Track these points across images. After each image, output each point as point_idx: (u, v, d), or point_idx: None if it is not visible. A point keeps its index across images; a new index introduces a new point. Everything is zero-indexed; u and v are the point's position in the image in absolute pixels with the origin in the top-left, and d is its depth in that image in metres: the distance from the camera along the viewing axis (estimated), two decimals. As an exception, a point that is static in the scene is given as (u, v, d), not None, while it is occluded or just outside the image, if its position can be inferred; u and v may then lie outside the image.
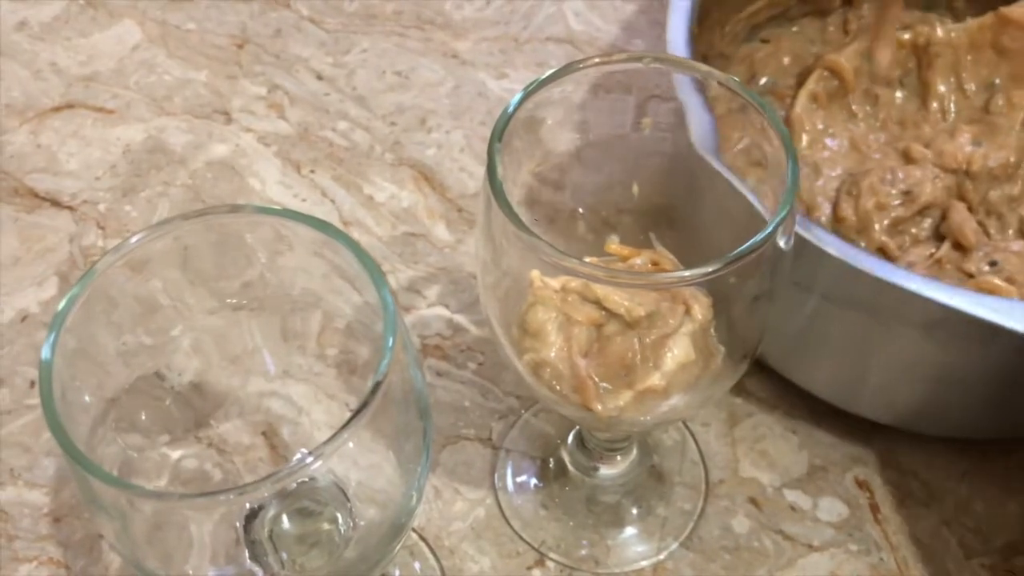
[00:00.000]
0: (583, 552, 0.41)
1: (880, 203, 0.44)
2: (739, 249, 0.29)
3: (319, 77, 0.58)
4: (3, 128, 0.56)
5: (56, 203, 0.53)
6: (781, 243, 0.30)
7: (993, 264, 0.43)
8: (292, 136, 0.55)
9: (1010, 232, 0.45)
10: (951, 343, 0.37)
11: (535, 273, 0.33)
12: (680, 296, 0.33)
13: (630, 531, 0.42)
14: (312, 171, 0.54)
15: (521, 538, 0.41)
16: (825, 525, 0.42)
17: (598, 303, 0.32)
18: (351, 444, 0.27)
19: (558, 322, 0.33)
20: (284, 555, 0.34)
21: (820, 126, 0.48)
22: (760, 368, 0.45)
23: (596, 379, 0.32)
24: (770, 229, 0.29)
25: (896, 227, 0.45)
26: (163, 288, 0.35)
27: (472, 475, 0.43)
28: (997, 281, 0.42)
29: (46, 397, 0.26)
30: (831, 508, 0.42)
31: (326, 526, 0.34)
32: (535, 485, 0.43)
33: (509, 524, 0.42)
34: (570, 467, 0.43)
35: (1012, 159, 0.45)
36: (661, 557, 0.41)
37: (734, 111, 0.33)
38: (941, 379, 0.40)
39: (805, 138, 0.47)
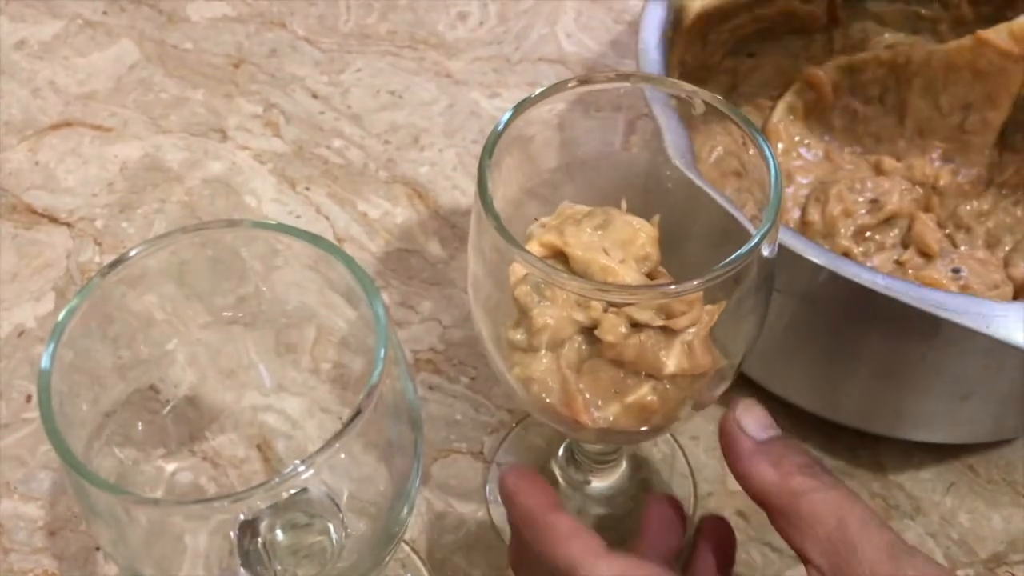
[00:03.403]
0: (573, 564, 0.42)
1: (847, 210, 0.45)
2: (725, 261, 0.29)
3: (314, 96, 0.59)
4: (2, 145, 0.56)
5: (54, 219, 0.53)
6: (765, 253, 0.31)
7: (956, 271, 0.44)
8: (287, 154, 0.56)
9: (979, 243, 0.46)
10: (897, 336, 0.38)
11: (514, 266, 0.32)
12: (675, 309, 0.33)
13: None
14: (307, 188, 0.54)
15: (512, 550, 0.42)
16: (812, 537, 0.42)
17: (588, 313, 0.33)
18: (343, 455, 0.27)
19: (547, 335, 0.33)
20: (277, 565, 0.34)
21: (796, 137, 0.49)
22: (747, 382, 0.45)
23: (586, 393, 0.33)
24: (755, 242, 0.30)
25: (862, 234, 0.46)
26: (159, 302, 0.36)
27: (464, 488, 0.44)
28: (935, 275, 0.43)
29: (45, 406, 0.27)
30: (818, 520, 0.43)
31: (318, 537, 0.35)
32: (526, 498, 0.44)
33: (500, 537, 0.42)
34: (560, 480, 0.44)
35: (982, 176, 0.46)
36: None
37: (711, 123, 0.34)
38: (884, 375, 0.40)
39: (780, 147, 0.49)
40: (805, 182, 0.48)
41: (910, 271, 0.44)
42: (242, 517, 0.34)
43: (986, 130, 0.49)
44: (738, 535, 0.42)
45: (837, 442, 0.45)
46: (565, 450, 0.44)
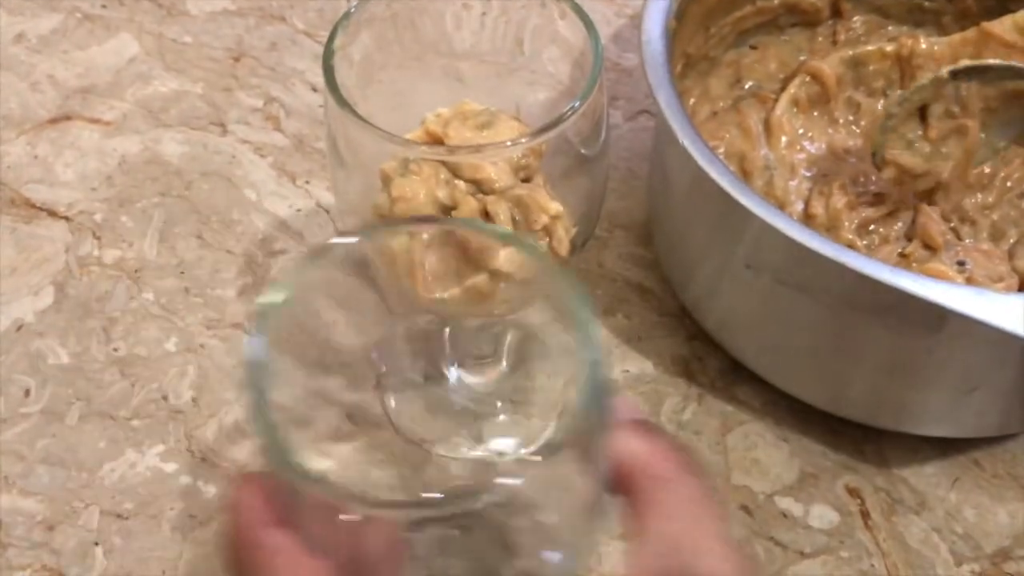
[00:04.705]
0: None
1: (850, 203, 0.45)
2: (552, 119, 0.32)
3: (314, 89, 0.59)
4: (0, 139, 0.56)
5: (52, 213, 0.53)
6: (586, 120, 0.34)
7: (961, 264, 0.44)
8: (287, 147, 0.56)
9: (984, 235, 0.46)
10: (902, 328, 0.38)
11: (385, 165, 0.35)
12: (530, 211, 0.35)
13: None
14: (307, 182, 0.54)
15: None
16: (816, 532, 0.42)
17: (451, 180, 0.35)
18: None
19: (403, 205, 0.34)
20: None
21: (800, 130, 0.49)
22: (750, 377, 0.45)
23: (428, 271, 0.35)
24: (577, 103, 0.32)
25: (865, 227, 0.45)
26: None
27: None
28: (941, 267, 0.43)
29: (259, 402, 0.24)
30: (822, 515, 0.42)
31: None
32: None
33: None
34: (447, 375, 0.44)
35: (987, 170, 0.46)
36: None
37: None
38: (889, 369, 0.40)
39: (784, 140, 0.48)
40: (808, 175, 0.48)
41: (914, 264, 0.44)
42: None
43: None
44: (742, 530, 0.42)
45: (841, 436, 0.44)
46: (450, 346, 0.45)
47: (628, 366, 0.47)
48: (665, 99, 0.40)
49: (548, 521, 0.27)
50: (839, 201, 0.45)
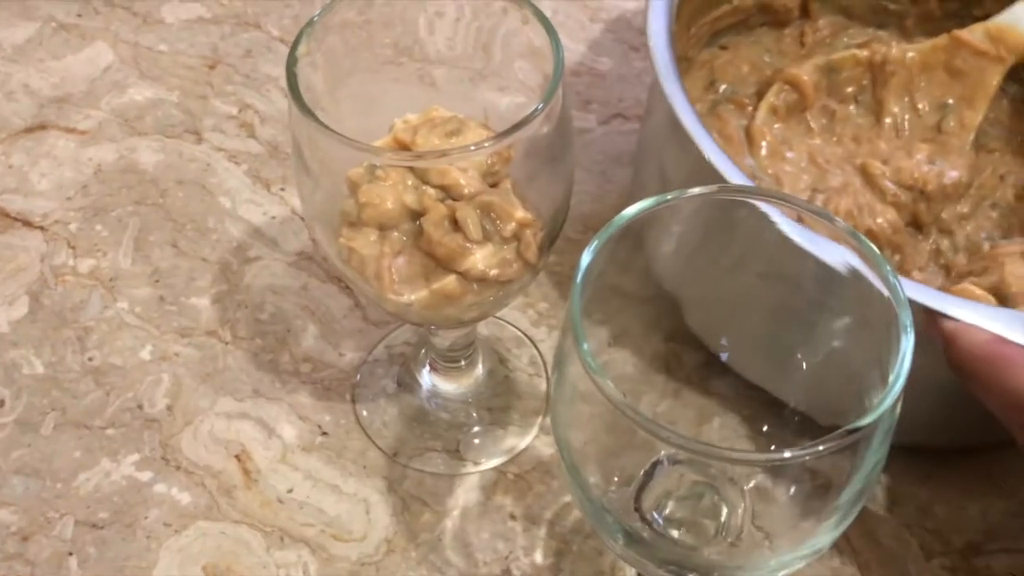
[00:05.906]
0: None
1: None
2: (516, 122, 0.33)
3: (289, 96, 0.59)
4: (-26, 150, 0.56)
5: (27, 223, 0.53)
6: (550, 123, 0.34)
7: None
8: (262, 154, 0.56)
9: (959, 249, 0.46)
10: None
11: (352, 172, 0.35)
12: (501, 210, 0.35)
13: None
14: (282, 189, 0.54)
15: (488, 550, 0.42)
16: (789, 530, 0.42)
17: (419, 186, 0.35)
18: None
19: (371, 211, 0.35)
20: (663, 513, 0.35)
21: (779, 139, 0.49)
22: (726, 370, 0.45)
23: (395, 273, 0.35)
24: (541, 105, 0.33)
25: None
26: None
27: (439, 487, 0.43)
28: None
29: None
30: (795, 514, 0.43)
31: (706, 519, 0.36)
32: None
33: (477, 536, 0.42)
34: (420, 383, 0.47)
35: (963, 179, 0.46)
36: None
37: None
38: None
39: (765, 149, 0.48)
40: (800, 187, 0.47)
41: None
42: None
43: (963, 131, 0.48)
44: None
45: (816, 434, 0.45)
46: (424, 354, 0.46)
47: (606, 367, 0.47)
48: (679, 104, 0.40)
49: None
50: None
